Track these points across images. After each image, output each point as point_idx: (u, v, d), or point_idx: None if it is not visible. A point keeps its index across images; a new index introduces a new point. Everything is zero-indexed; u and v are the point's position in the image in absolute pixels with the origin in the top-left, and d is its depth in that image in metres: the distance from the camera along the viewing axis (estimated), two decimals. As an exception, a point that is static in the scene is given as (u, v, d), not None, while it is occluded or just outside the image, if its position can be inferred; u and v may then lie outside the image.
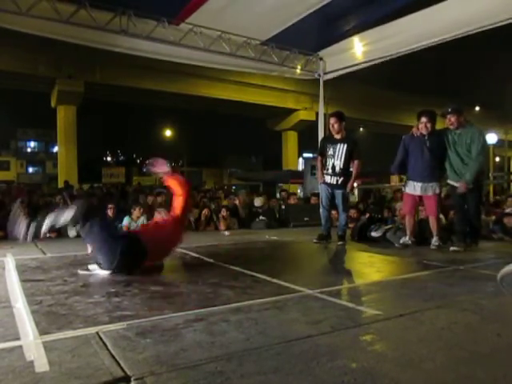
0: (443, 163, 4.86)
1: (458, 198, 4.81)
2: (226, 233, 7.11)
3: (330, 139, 5.49)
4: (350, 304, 2.47)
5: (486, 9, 6.19)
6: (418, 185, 4.87)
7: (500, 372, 1.56)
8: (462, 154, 4.68)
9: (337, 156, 5.26)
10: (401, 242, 5.02)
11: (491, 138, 14.14)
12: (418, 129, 4.91)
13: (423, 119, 4.83)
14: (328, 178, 5.35)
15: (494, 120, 27.32)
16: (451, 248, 4.69)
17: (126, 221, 6.82)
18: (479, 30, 6.51)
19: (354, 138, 5.50)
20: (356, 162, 5.28)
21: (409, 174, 5.00)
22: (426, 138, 4.83)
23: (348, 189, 5.33)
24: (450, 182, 4.90)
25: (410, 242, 4.97)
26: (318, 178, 5.54)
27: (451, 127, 4.74)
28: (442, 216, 5.28)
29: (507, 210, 6.41)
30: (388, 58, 8.07)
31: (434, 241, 4.85)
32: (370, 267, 3.91)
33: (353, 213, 7.29)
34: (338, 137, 5.31)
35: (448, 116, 4.73)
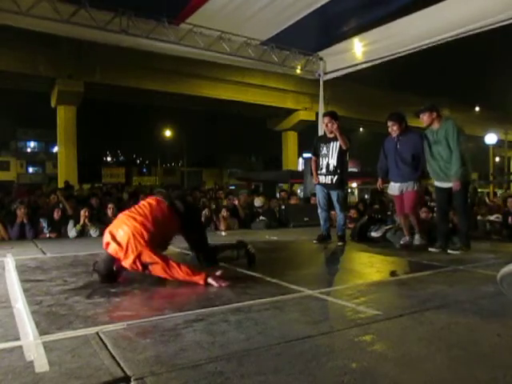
0: (419, 162, 4.77)
1: (440, 199, 4.76)
2: (223, 233, 7.10)
3: (322, 139, 5.47)
4: (349, 304, 2.47)
5: (486, 8, 6.19)
6: (396, 185, 4.91)
7: (500, 372, 1.56)
8: (442, 151, 4.54)
9: (330, 155, 5.25)
10: (401, 242, 5.03)
11: (491, 138, 14.10)
12: None
13: (388, 123, 4.88)
14: (322, 178, 5.33)
15: (493, 120, 27.33)
16: (429, 249, 4.66)
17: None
18: (480, 29, 6.51)
19: (347, 136, 5.45)
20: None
21: (389, 176, 5.05)
22: (396, 139, 4.86)
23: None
24: (435, 183, 4.79)
25: (410, 243, 4.97)
26: (313, 179, 5.55)
27: (424, 125, 4.72)
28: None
29: (491, 218, 6.46)
30: (388, 59, 8.07)
31: (416, 239, 4.83)
32: (369, 267, 3.91)
33: (353, 213, 7.29)
34: (331, 136, 5.28)
35: (420, 115, 4.69)
